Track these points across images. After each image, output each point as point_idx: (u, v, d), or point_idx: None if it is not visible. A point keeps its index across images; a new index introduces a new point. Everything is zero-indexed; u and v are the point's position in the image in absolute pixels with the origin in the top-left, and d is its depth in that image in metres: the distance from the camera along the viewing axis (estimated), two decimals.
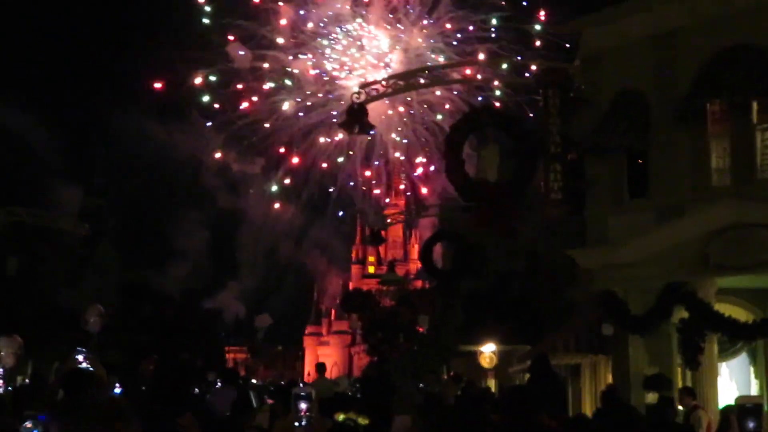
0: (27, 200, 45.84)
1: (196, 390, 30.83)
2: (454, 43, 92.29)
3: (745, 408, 3.49)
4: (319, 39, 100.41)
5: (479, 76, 29.50)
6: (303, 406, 4.89)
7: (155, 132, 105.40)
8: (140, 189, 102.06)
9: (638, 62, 19.84)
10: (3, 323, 26.52)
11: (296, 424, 4.88)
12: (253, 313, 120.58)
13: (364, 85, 23.83)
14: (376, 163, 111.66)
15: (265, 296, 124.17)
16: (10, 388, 14.89)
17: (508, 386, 21.36)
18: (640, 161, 20.34)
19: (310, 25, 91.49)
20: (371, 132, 23.68)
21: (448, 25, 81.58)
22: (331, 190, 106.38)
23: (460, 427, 4.52)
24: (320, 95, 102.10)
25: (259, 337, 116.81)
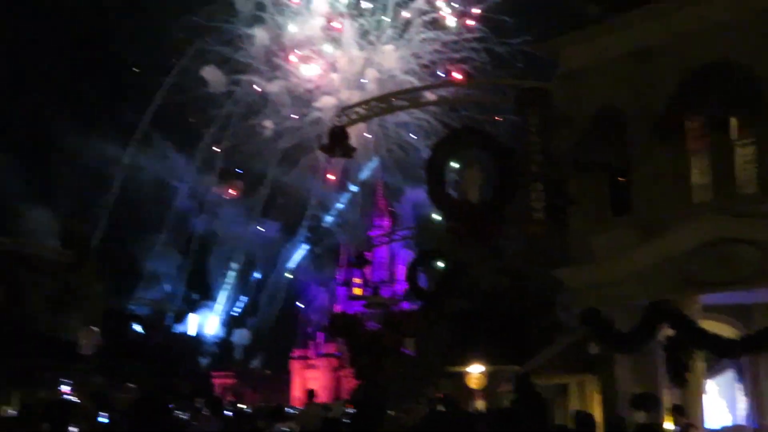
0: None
1: (184, 416, 30.66)
2: (427, 64, 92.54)
3: None
4: (293, 62, 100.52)
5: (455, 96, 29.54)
6: None
7: (117, 155, 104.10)
8: (110, 214, 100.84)
9: (617, 80, 19.87)
10: None
11: None
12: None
13: (344, 108, 23.85)
14: (355, 189, 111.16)
15: (245, 319, 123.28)
16: None
17: (492, 408, 21.31)
18: (621, 179, 20.35)
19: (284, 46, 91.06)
20: (352, 154, 23.69)
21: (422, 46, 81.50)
22: (307, 221, 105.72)
23: None
24: (296, 117, 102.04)
25: (238, 356, 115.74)
